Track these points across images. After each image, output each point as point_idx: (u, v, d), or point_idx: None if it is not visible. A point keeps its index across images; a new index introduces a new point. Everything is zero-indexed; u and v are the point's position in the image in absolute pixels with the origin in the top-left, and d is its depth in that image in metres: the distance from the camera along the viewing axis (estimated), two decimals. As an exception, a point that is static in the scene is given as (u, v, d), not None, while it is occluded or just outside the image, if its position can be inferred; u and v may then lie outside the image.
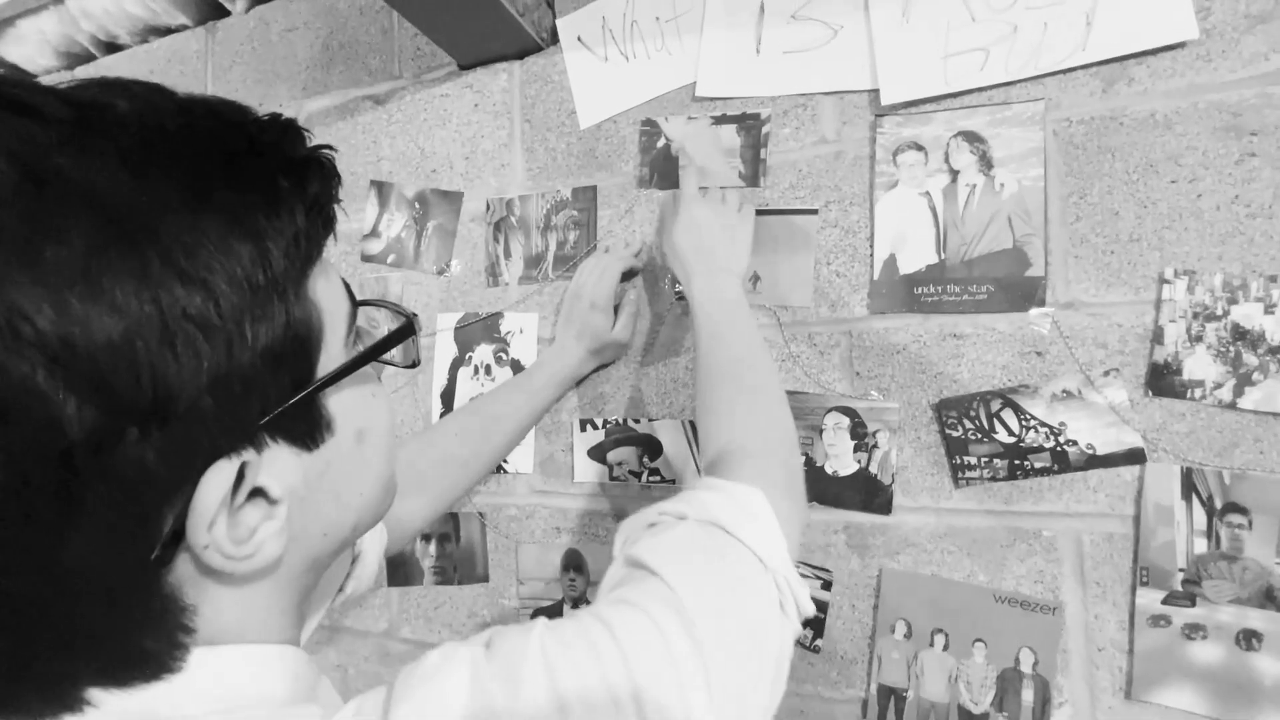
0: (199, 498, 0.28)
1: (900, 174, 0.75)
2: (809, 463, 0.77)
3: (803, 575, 0.77)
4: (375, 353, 0.36)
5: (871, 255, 0.76)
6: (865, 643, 0.75)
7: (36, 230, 0.24)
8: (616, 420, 0.87)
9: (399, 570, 0.97)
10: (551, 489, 0.90)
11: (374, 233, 1.02)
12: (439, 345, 0.96)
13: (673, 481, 0.84)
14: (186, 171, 0.28)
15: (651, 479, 0.85)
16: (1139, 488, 0.66)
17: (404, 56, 1.02)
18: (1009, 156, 0.72)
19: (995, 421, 0.70)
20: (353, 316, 0.36)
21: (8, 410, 0.23)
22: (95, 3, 1.16)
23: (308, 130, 0.34)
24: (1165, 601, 0.65)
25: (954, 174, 0.74)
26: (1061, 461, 0.68)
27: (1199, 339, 0.65)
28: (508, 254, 0.94)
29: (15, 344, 0.23)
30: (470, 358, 0.95)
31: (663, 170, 0.86)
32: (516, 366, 0.92)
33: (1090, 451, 0.68)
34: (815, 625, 0.77)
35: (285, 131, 0.33)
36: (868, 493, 0.75)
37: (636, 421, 0.86)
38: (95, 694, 0.29)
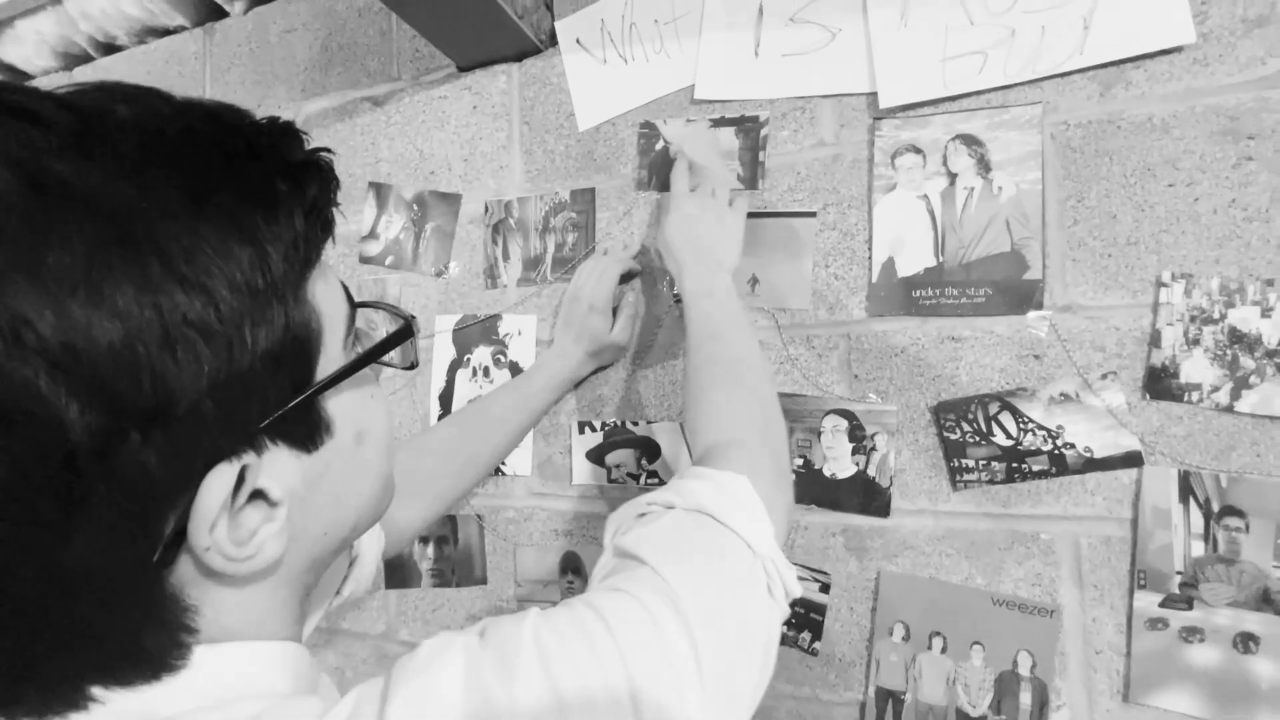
0: (200, 500, 0.28)
1: (898, 177, 0.76)
2: (807, 465, 0.77)
3: (800, 578, 0.77)
4: (374, 355, 0.36)
5: (870, 258, 0.76)
6: (863, 645, 0.75)
7: (38, 236, 0.24)
8: (615, 422, 0.87)
9: (397, 572, 0.97)
10: (550, 491, 0.90)
11: (372, 234, 1.02)
12: (437, 347, 0.96)
13: (671, 484, 0.84)
14: (186, 176, 0.28)
15: (650, 481, 0.85)
16: (1136, 491, 0.66)
17: (402, 58, 1.02)
18: (1007, 160, 0.72)
19: (993, 424, 0.71)
20: (351, 319, 0.37)
21: (11, 415, 0.24)
22: (93, 4, 1.16)
23: (305, 133, 0.34)
24: (1163, 604, 0.65)
25: (952, 177, 0.74)
26: (1059, 464, 0.69)
27: (1196, 342, 0.65)
28: (506, 256, 0.94)
29: (18, 350, 0.24)
30: (468, 360, 0.94)
31: (661, 173, 0.86)
32: (515, 369, 0.92)
33: (1088, 454, 0.68)
34: (813, 628, 0.77)
35: (283, 135, 0.33)
36: (866, 495, 0.75)
37: (635, 424, 0.86)
38: (100, 692, 0.29)
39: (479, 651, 0.33)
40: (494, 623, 0.36)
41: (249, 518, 0.31)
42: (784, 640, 0.78)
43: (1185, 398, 0.65)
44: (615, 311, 0.85)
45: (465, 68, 0.97)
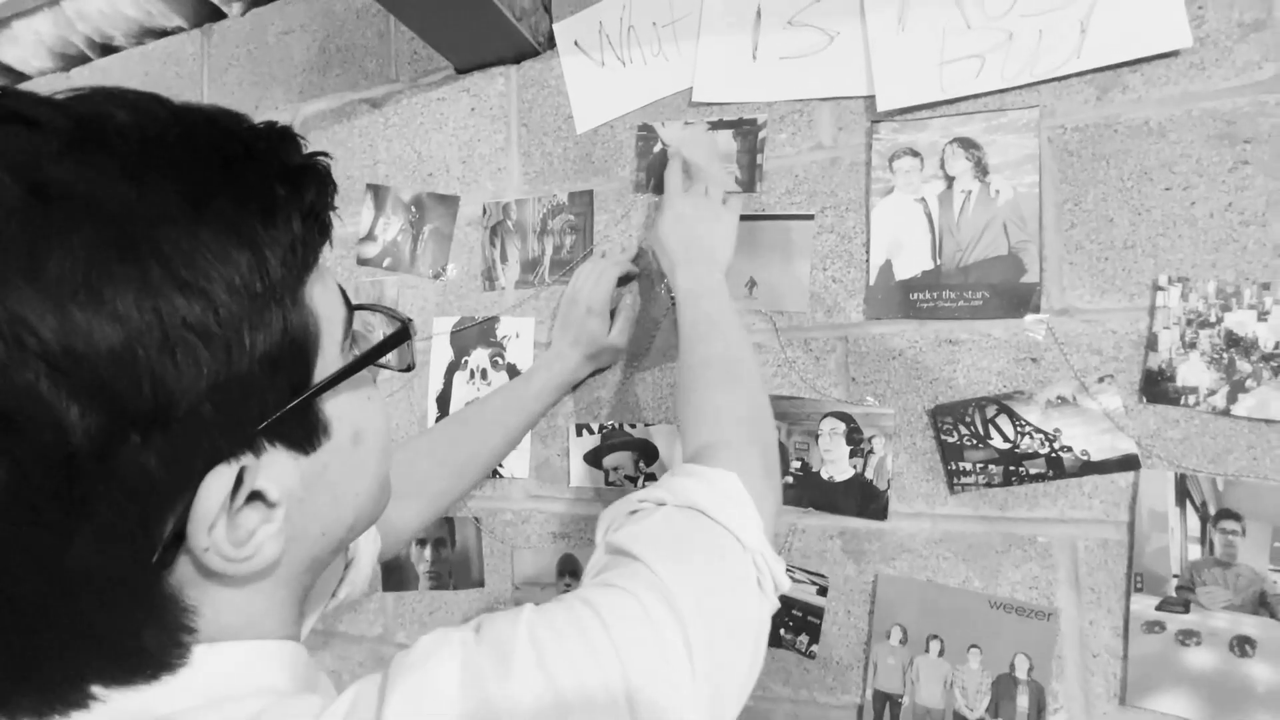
0: (199, 501, 0.29)
1: (896, 180, 0.76)
2: (805, 468, 0.77)
3: (798, 581, 0.77)
4: (371, 357, 0.37)
5: (867, 261, 0.76)
6: (861, 649, 0.75)
7: (39, 241, 0.25)
8: (612, 425, 0.87)
9: (394, 575, 0.96)
10: (547, 494, 0.90)
11: (370, 236, 1.01)
12: (435, 349, 0.96)
13: (668, 486, 0.84)
14: (185, 181, 0.29)
15: (647, 483, 0.85)
16: (1133, 494, 0.66)
17: (401, 60, 1.02)
18: (1004, 163, 0.72)
19: (990, 427, 0.71)
20: (349, 321, 0.37)
21: (12, 418, 0.24)
22: (91, 4, 1.16)
23: (303, 138, 0.34)
24: (1159, 608, 0.65)
25: (949, 180, 0.74)
26: (1056, 468, 0.69)
27: (1193, 346, 0.65)
28: (504, 258, 0.94)
29: (20, 353, 0.24)
30: (466, 362, 0.94)
31: (659, 175, 0.86)
32: (512, 371, 0.92)
33: (1085, 458, 0.68)
34: (811, 631, 0.77)
35: (281, 139, 0.33)
36: (863, 498, 0.75)
37: (633, 426, 0.86)
38: (100, 691, 0.30)
39: (475, 647, 0.33)
40: (490, 619, 0.36)
41: (247, 519, 0.31)
42: (781, 643, 0.78)
43: (1182, 401, 0.65)
44: (613, 314, 0.85)
45: (463, 70, 0.97)
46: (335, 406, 0.35)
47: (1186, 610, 0.64)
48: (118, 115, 0.29)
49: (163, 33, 1.20)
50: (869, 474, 0.75)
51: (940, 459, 0.73)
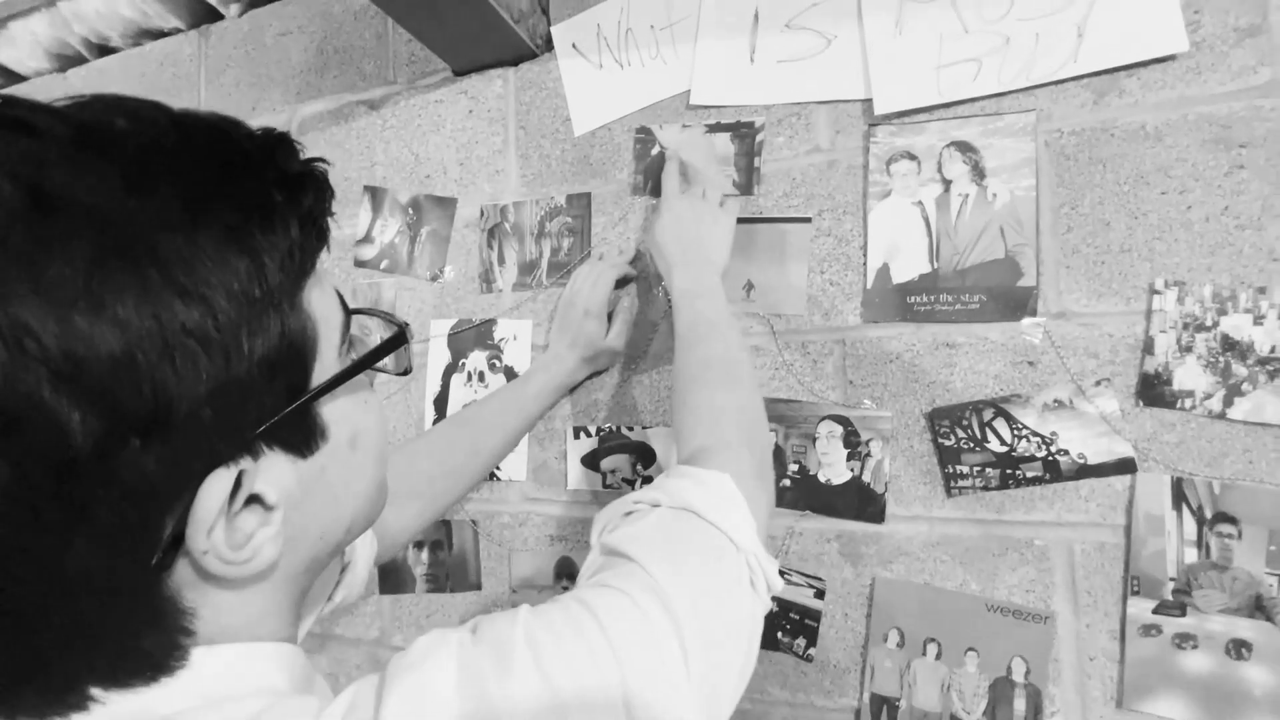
0: (198, 505, 0.29)
1: (893, 183, 0.76)
2: (802, 471, 0.77)
3: (795, 584, 0.77)
4: (368, 362, 0.37)
5: (865, 264, 0.77)
6: (858, 652, 0.75)
7: (40, 248, 0.25)
8: (610, 428, 0.87)
9: (391, 578, 0.96)
10: (544, 496, 0.90)
11: (367, 238, 1.01)
12: (432, 351, 0.96)
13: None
14: (184, 187, 0.29)
15: (644, 486, 0.85)
16: (1130, 497, 0.67)
17: (398, 62, 1.02)
18: (1001, 167, 0.72)
19: (987, 431, 0.71)
20: (346, 326, 0.37)
21: (14, 422, 0.24)
22: (87, 5, 1.16)
23: (301, 144, 0.35)
24: (1156, 611, 0.65)
25: (947, 184, 0.74)
26: (1053, 471, 0.69)
27: (1189, 349, 0.65)
28: (501, 260, 0.94)
29: (22, 359, 0.24)
30: (463, 364, 0.94)
31: (657, 178, 0.86)
32: (510, 373, 0.92)
33: (1081, 461, 0.68)
34: (808, 634, 0.77)
35: (279, 146, 0.34)
36: (861, 501, 0.75)
37: (630, 429, 0.86)
38: (99, 693, 0.30)
39: (472, 648, 0.34)
40: (486, 620, 0.36)
41: (245, 522, 0.31)
42: (779, 646, 0.78)
43: (1178, 405, 0.65)
44: (610, 317, 0.85)
45: (461, 72, 0.97)
46: (333, 410, 0.35)
47: (1183, 614, 0.64)
48: (118, 123, 0.29)
49: (160, 34, 1.20)
50: (866, 477, 0.75)
51: (937, 462, 0.73)
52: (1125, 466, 0.67)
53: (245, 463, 0.30)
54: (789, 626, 0.77)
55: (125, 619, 0.30)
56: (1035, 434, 0.69)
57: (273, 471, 0.32)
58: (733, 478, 0.49)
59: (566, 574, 0.89)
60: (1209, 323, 0.65)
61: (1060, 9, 0.70)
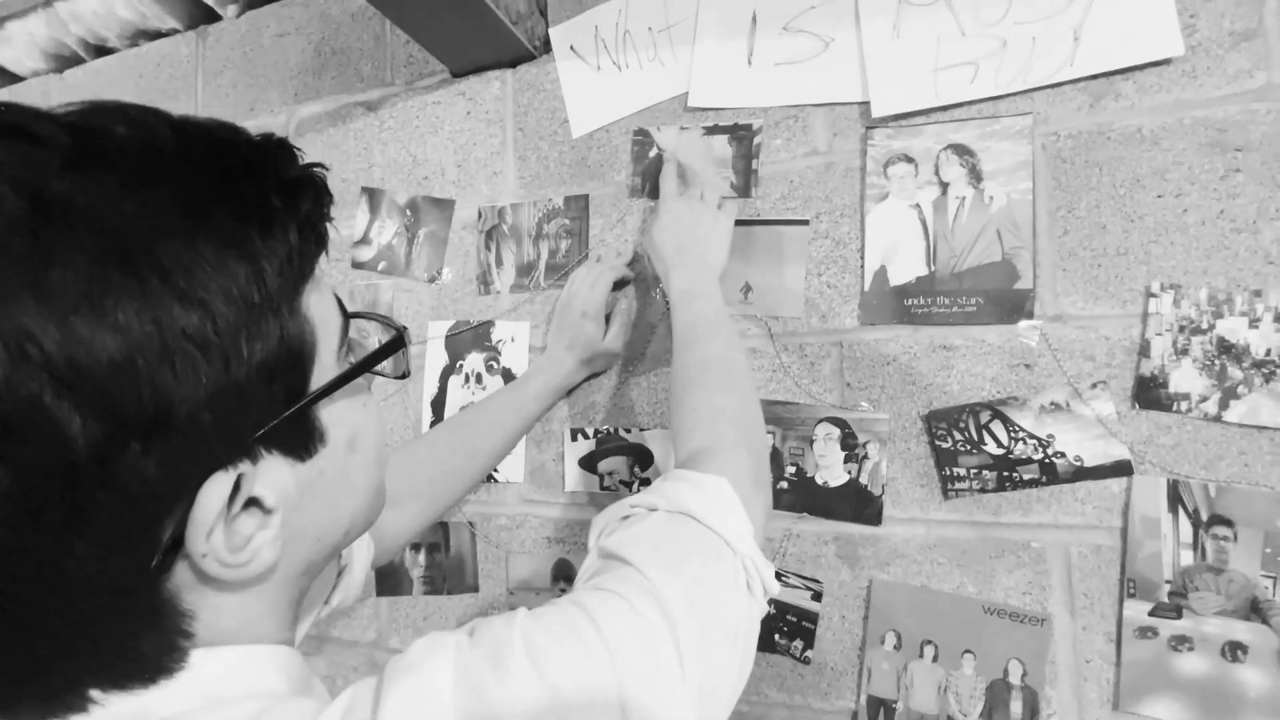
0: (197, 508, 0.29)
1: (891, 186, 0.76)
2: (800, 473, 0.78)
3: (793, 586, 0.77)
4: (366, 365, 0.37)
5: (862, 267, 0.77)
6: (855, 654, 0.75)
7: (42, 254, 0.25)
8: (607, 430, 0.87)
9: (388, 580, 0.96)
10: (542, 498, 0.90)
11: (365, 240, 1.01)
12: (430, 353, 0.96)
13: (663, 491, 0.84)
14: (184, 194, 0.29)
15: (642, 488, 0.85)
16: (1126, 500, 0.67)
17: (396, 63, 1.02)
18: (998, 169, 0.72)
19: (984, 433, 0.71)
20: (345, 329, 0.37)
21: (16, 427, 0.24)
22: (84, 5, 1.15)
23: (299, 149, 0.35)
24: (1152, 613, 0.65)
25: (944, 186, 0.74)
26: (1050, 473, 0.69)
27: (1185, 352, 0.65)
28: (499, 262, 0.94)
29: (23, 365, 0.24)
30: (461, 366, 0.94)
31: (655, 180, 0.86)
32: (507, 375, 0.91)
33: (1078, 463, 0.68)
34: (805, 636, 0.77)
35: (278, 151, 0.34)
36: (858, 503, 0.75)
37: (628, 431, 0.86)
38: (99, 694, 0.30)
39: (470, 650, 0.34)
40: (484, 622, 0.37)
41: (244, 525, 0.31)
42: (776, 648, 0.78)
43: (1174, 407, 0.65)
44: (608, 319, 0.85)
45: (459, 73, 0.97)
46: (331, 414, 0.35)
47: (1179, 616, 0.64)
48: (118, 129, 0.29)
49: (157, 34, 1.20)
50: (863, 479, 0.75)
51: (934, 464, 0.73)
52: (1121, 469, 0.67)
53: (244, 466, 0.31)
54: (786, 629, 0.77)
55: (124, 621, 0.30)
56: (1032, 436, 0.69)
57: (271, 475, 0.32)
58: (730, 481, 0.49)
59: (564, 576, 0.89)
60: (1205, 326, 0.65)
61: (1057, 13, 0.70)
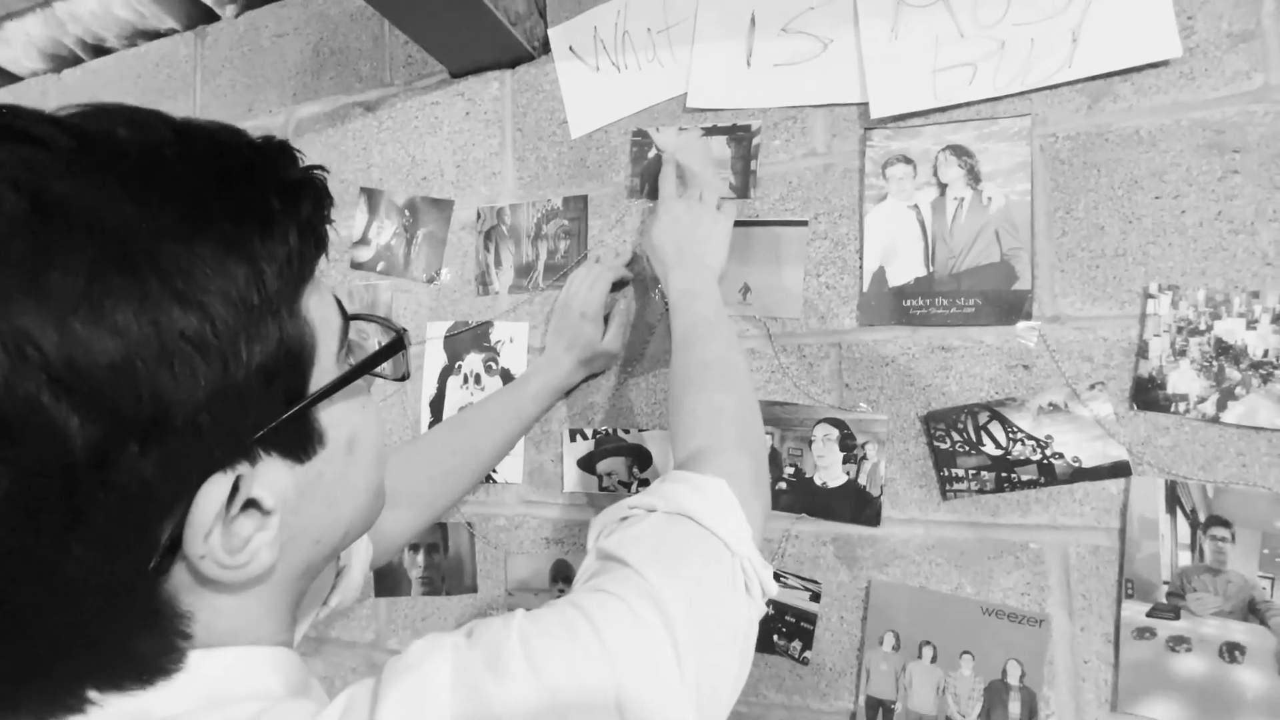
0: (195, 510, 0.29)
1: (889, 187, 0.76)
2: (798, 474, 0.78)
3: (791, 587, 0.77)
4: (366, 367, 0.37)
5: (861, 267, 0.77)
6: (854, 654, 0.75)
7: (41, 256, 0.25)
8: (606, 430, 0.87)
9: (386, 580, 0.96)
10: (541, 499, 0.90)
11: (363, 240, 1.01)
12: (428, 354, 0.96)
13: (662, 492, 0.84)
14: (184, 196, 0.29)
15: (641, 489, 0.85)
16: (1124, 501, 0.67)
17: (395, 64, 1.02)
18: (996, 171, 0.72)
19: (983, 434, 0.71)
20: (344, 331, 0.37)
21: (14, 428, 0.24)
22: (83, 5, 1.15)
23: (300, 152, 0.35)
24: (1150, 614, 0.65)
25: (942, 187, 0.74)
26: (1048, 474, 0.69)
27: (1183, 353, 0.65)
28: (498, 263, 0.94)
29: (22, 366, 0.24)
30: (460, 366, 0.94)
31: (654, 181, 0.86)
32: (506, 376, 0.91)
33: (1076, 464, 0.68)
34: (804, 637, 0.77)
35: (278, 154, 0.34)
36: (856, 504, 0.75)
37: (626, 432, 0.86)
38: (97, 695, 0.30)
39: (467, 651, 0.34)
40: (481, 624, 0.37)
41: (243, 527, 0.31)
42: (775, 649, 0.78)
43: (1172, 408, 0.66)
44: (607, 319, 0.85)
45: (458, 74, 0.97)
46: (330, 416, 0.35)
47: (1177, 617, 0.64)
48: (119, 131, 0.29)
49: (155, 34, 1.20)
50: (862, 480, 0.75)
51: (933, 465, 0.73)
52: (1120, 470, 0.67)
53: (243, 468, 0.31)
54: (785, 629, 0.77)
55: (123, 622, 0.30)
56: (1030, 437, 0.70)
57: (270, 476, 0.32)
58: (729, 483, 0.49)
59: (563, 577, 0.89)
60: (1203, 327, 0.65)
61: (1055, 14, 0.70)
